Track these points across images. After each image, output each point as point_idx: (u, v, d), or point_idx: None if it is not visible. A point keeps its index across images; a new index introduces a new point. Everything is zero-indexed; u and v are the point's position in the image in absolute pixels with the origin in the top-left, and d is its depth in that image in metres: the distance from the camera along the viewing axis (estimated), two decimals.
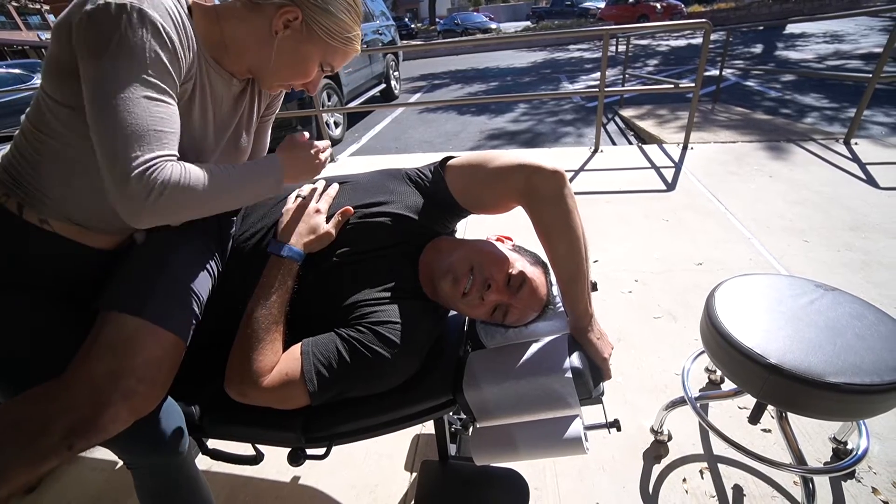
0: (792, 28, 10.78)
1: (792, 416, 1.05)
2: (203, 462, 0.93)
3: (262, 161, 0.79)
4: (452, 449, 1.09)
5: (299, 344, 0.75)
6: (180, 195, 0.61)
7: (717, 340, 0.94)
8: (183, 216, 0.65)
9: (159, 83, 0.60)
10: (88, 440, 0.63)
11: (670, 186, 2.89)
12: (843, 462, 1.00)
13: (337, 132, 5.00)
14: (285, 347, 0.77)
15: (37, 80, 8.77)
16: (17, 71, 9.39)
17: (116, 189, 0.57)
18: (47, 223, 0.71)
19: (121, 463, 1.36)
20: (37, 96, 0.66)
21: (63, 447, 0.61)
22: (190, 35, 0.66)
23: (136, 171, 0.56)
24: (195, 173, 0.63)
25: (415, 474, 1.25)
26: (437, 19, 27.92)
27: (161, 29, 0.59)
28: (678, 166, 3.17)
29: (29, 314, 0.72)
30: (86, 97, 0.57)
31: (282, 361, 0.74)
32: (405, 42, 13.72)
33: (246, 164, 0.75)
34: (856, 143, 3.23)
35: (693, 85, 3.33)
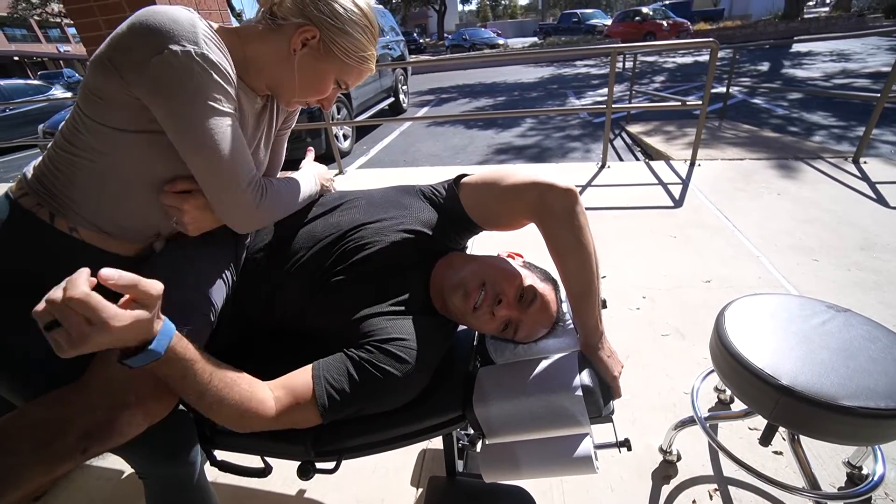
0: (798, 46, 10.85)
1: (805, 439, 1.03)
2: (209, 472, 0.93)
3: (303, 175, 0.95)
4: (460, 465, 1.08)
5: (310, 367, 0.75)
6: (273, 201, 0.79)
7: (728, 360, 0.93)
8: (272, 218, 0.84)
9: (231, 111, 0.70)
10: (103, 444, 0.63)
11: (678, 203, 2.89)
12: (858, 488, 0.98)
13: (346, 145, 5.07)
14: (297, 358, 0.77)
15: (54, 92, 9.06)
16: (36, 82, 9.70)
17: (234, 201, 0.73)
18: (76, 231, 0.74)
19: (127, 472, 1.37)
20: (72, 113, 0.69)
21: (78, 450, 0.62)
22: (231, 62, 0.71)
23: (250, 185, 0.73)
24: (275, 184, 0.82)
25: (421, 490, 1.24)
26: (445, 34, 28.41)
27: (221, 66, 0.66)
28: (685, 183, 3.18)
29: None
30: (175, 132, 0.66)
31: (292, 386, 0.72)
32: (414, 57, 13.98)
33: (296, 178, 0.92)
34: (865, 162, 3.22)
35: (700, 102, 3.36)
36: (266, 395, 0.70)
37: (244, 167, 0.72)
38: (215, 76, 0.65)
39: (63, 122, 0.72)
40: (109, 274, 0.48)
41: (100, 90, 0.65)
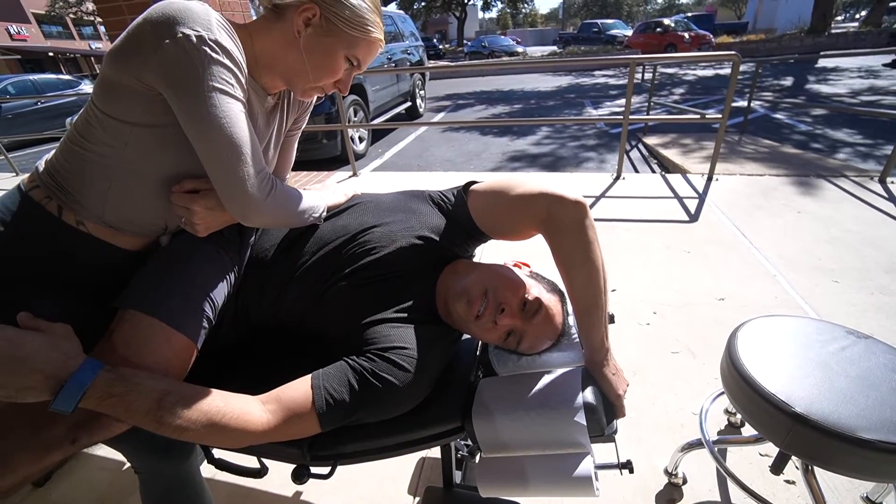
0: (825, 62, 10.63)
1: (819, 469, 0.99)
2: (206, 469, 0.93)
3: (309, 192, 0.91)
4: (458, 476, 1.06)
5: (308, 377, 0.73)
6: (281, 197, 0.76)
7: (739, 383, 0.90)
8: (279, 216, 0.78)
9: (243, 100, 0.68)
10: (91, 436, 0.63)
11: (693, 217, 2.83)
12: None
13: (361, 147, 5.11)
14: (298, 361, 0.76)
15: (83, 87, 9.36)
16: (67, 77, 10.02)
17: (243, 192, 0.69)
18: (83, 224, 0.75)
19: (127, 464, 1.38)
20: (86, 108, 0.70)
21: (67, 441, 0.62)
22: (244, 56, 0.70)
23: (259, 176, 0.70)
24: (284, 184, 0.81)
25: (418, 498, 1.22)
26: (464, 41, 28.59)
27: (233, 54, 0.66)
28: (702, 197, 3.12)
29: (49, 309, 0.74)
30: (187, 119, 0.64)
31: (290, 398, 0.71)
32: (432, 62, 14.07)
33: (302, 191, 0.89)
34: (892, 182, 3.12)
35: (720, 115, 3.30)
36: (251, 407, 0.68)
37: (255, 155, 0.69)
38: (228, 62, 0.64)
39: (76, 117, 0.73)
40: None
41: (114, 81, 0.65)
